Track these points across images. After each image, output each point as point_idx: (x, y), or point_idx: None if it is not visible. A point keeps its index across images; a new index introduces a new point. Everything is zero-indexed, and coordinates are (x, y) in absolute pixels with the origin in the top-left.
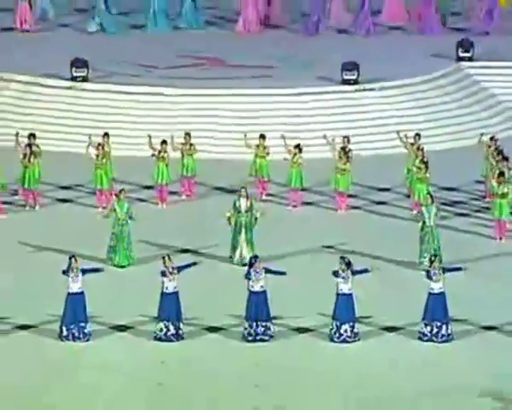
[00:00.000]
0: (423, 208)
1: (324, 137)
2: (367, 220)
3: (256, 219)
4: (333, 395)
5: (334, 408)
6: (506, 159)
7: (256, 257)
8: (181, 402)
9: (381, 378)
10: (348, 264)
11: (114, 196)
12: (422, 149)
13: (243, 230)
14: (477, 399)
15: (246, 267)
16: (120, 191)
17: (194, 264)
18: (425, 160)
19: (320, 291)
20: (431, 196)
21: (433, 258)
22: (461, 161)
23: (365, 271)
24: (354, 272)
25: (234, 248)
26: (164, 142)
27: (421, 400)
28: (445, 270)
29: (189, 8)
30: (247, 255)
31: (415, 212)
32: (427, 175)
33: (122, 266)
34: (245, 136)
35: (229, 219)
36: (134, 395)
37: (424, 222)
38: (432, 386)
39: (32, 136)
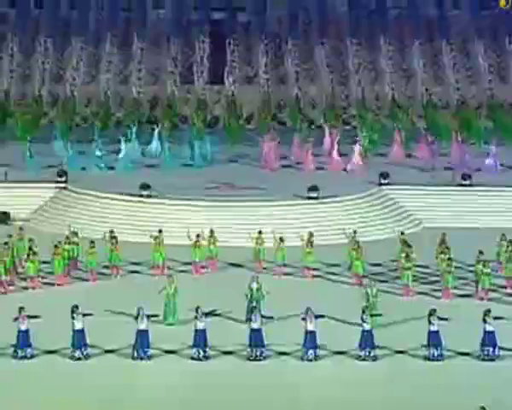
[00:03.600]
0: (367, 289)
1: (344, 231)
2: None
3: (264, 296)
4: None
5: None
6: (409, 246)
7: (254, 307)
8: None
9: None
10: (318, 316)
11: (166, 278)
12: (358, 242)
13: (255, 302)
14: None
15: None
16: (169, 276)
17: (215, 311)
18: (360, 245)
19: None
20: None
21: (365, 309)
22: (383, 247)
23: (321, 316)
24: (316, 317)
25: (249, 312)
26: (198, 235)
27: None
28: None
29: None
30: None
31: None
32: (363, 255)
33: (171, 324)
34: (249, 233)
35: (246, 295)
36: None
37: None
38: None
39: (111, 232)
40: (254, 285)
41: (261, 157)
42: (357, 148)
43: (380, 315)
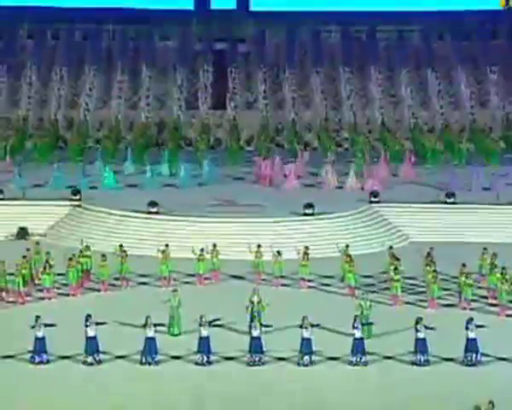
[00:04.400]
0: (361, 301)
1: (336, 246)
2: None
3: (264, 308)
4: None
5: None
6: (398, 259)
7: (254, 317)
8: None
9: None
10: (313, 325)
11: (171, 291)
12: (350, 255)
13: (256, 314)
14: None
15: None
16: (174, 290)
17: (218, 320)
18: (352, 258)
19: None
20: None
21: (356, 318)
22: (373, 260)
23: (317, 325)
24: (312, 325)
25: (251, 321)
26: (201, 249)
27: None
28: (365, 324)
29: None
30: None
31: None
32: (354, 268)
33: (176, 335)
34: (249, 246)
35: (247, 308)
36: None
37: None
38: None
39: (121, 246)
40: (255, 298)
41: (259, 175)
42: (352, 169)
43: (371, 324)
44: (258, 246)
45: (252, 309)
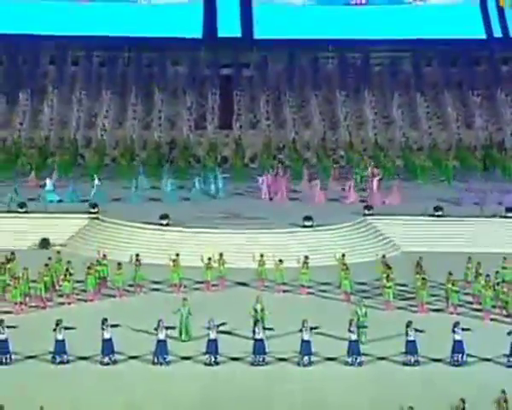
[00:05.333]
0: (357, 309)
1: (334, 254)
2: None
3: (266, 316)
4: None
5: None
6: (390, 267)
7: (258, 321)
8: None
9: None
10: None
11: (182, 301)
12: (346, 264)
13: (259, 320)
14: None
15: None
16: (184, 299)
17: (224, 323)
18: (348, 266)
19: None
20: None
21: (351, 322)
22: (367, 269)
23: (316, 328)
24: (311, 328)
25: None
26: (209, 258)
27: None
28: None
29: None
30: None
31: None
32: (350, 275)
33: (185, 341)
34: (253, 256)
35: (251, 315)
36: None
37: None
38: None
39: (137, 255)
40: (258, 306)
41: (263, 190)
42: (352, 184)
43: (365, 327)
44: (261, 255)
45: (255, 316)
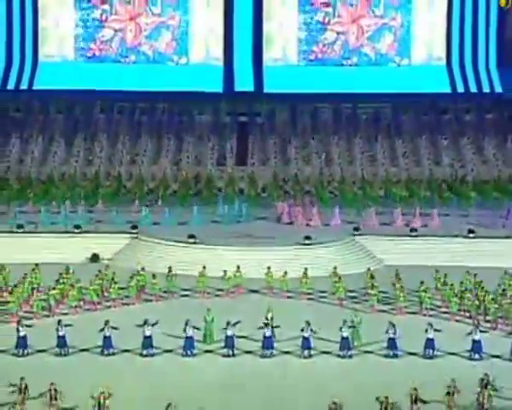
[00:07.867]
0: (353, 317)
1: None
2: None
3: (276, 325)
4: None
5: None
6: (374, 278)
7: (267, 324)
8: None
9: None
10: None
11: (206, 310)
12: (339, 274)
13: (270, 326)
14: None
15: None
16: (208, 309)
17: (239, 321)
18: (340, 277)
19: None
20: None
21: (344, 322)
22: (356, 279)
23: (315, 332)
24: (312, 330)
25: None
26: (224, 271)
27: None
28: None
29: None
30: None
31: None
32: (342, 284)
33: (209, 344)
34: (263, 269)
35: (264, 323)
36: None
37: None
38: None
39: (170, 268)
40: (269, 315)
41: (278, 215)
42: (336, 210)
43: (357, 330)
44: (269, 268)
45: (267, 322)
